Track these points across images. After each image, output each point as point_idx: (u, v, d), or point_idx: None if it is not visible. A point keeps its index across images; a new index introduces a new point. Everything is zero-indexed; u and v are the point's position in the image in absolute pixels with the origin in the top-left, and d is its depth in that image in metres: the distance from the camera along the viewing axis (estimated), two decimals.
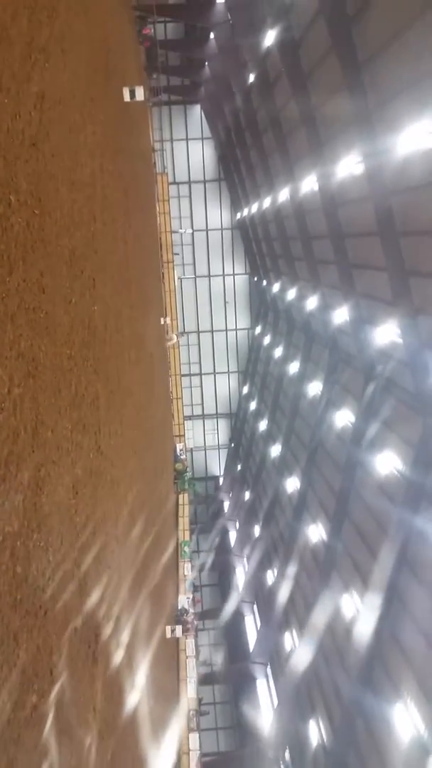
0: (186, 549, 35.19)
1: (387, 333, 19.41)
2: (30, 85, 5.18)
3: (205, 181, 48.94)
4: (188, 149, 48.17)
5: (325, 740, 21.66)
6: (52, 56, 6.13)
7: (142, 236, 20.56)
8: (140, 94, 15.60)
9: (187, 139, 47.99)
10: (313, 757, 22.54)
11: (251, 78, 28.68)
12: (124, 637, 8.84)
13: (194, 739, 25.03)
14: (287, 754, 26.32)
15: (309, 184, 23.95)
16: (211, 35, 34.99)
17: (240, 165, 40.90)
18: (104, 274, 9.18)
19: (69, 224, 6.51)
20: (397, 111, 14.11)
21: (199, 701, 28.83)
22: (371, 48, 14.63)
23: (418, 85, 12.84)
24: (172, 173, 47.09)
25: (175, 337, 38.51)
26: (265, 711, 30.85)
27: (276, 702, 29.32)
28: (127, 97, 15.30)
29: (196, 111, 47.72)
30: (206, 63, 40.00)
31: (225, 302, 51.44)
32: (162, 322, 32.67)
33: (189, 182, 48.74)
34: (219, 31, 32.32)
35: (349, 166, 18.48)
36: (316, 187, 22.18)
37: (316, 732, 22.62)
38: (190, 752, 24.26)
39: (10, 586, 3.81)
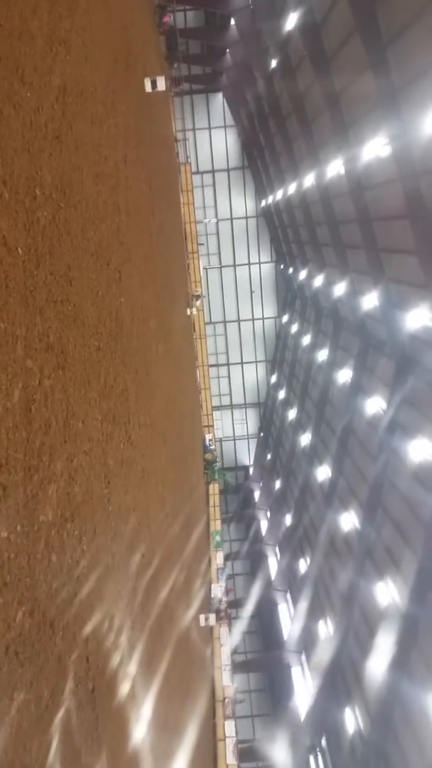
0: (217, 538, 35.37)
1: (419, 317, 19.08)
2: (52, 78, 5.19)
3: (228, 170, 48.63)
4: (211, 138, 47.88)
5: (362, 728, 21.62)
6: (73, 48, 6.13)
7: (166, 227, 20.56)
8: (162, 84, 15.53)
9: (209, 128, 47.70)
10: (350, 744, 22.53)
11: (273, 63, 28.32)
12: (159, 623, 8.94)
13: (230, 726, 25.24)
14: (324, 742, 26.37)
15: (335, 168, 23.60)
16: (232, 22, 34.63)
17: (264, 151, 40.52)
18: (130, 265, 9.20)
19: (94, 216, 6.53)
20: (423, 90, 13.78)
21: (234, 689, 29.03)
22: (396, 26, 14.29)
23: None
24: (196, 163, 46.91)
25: (195, 305, 37.43)
26: (300, 699, 30.93)
27: (312, 689, 29.37)
28: (148, 88, 15.25)
29: (218, 99, 47.36)
30: (227, 50, 39.63)
31: (251, 291, 51.20)
32: (188, 313, 32.68)
33: (212, 171, 48.50)
34: (239, 17, 31.98)
35: (375, 148, 18.13)
36: (342, 171, 21.85)
37: (352, 719, 22.60)
38: (226, 739, 24.48)
39: (45, 575, 3.87)
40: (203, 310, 41.73)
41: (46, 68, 5.03)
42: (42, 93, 4.83)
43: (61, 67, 5.53)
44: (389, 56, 15.02)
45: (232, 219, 49.56)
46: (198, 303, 37.15)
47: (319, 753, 26.64)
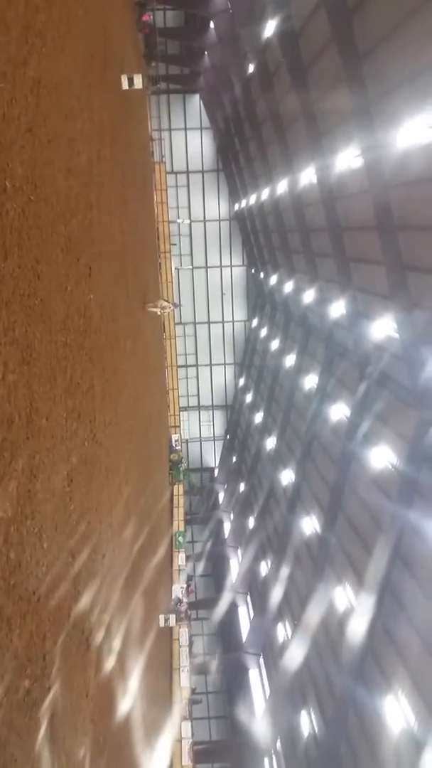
0: (180, 539, 35.31)
1: (383, 327, 19.41)
2: (26, 70, 5.13)
3: (203, 171, 48.69)
4: (187, 139, 47.87)
5: (316, 731, 21.83)
6: (49, 41, 6.07)
7: (139, 225, 20.48)
8: (138, 82, 15.50)
9: (185, 129, 47.68)
10: (305, 747, 22.72)
11: (251, 68, 28.48)
12: (118, 624, 8.88)
13: (186, 727, 25.19)
14: (279, 745, 26.53)
15: (308, 176, 23.86)
16: (211, 24, 34.73)
17: (238, 156, 40.70)
18: (101, 262, 9.14)
19: (65, 211, 6.47)
20: (396, 104, 14.04)
21: (192, 690, 29.00)
22: (372, 40, 14.53)
23: (418, 78, 12.78)
24: (171, 163, 46.85)
25: (168, 305, 36.79)
26: (257, 701, 31.05)
27: (268, 692, 29.53)
28: (125, 85, 15.19)
29: (195, 100, 47.39)
30: (206, 52, 39.70)
31: (222, 294, 51.34)
32: (158, 312, 32.53)
33: (187, 172, 48.49)
34: (219, 20, 32.09)
35: (347, 159, 18.40)
36: (314, 180, 22.10)
37: (307, 723, 22.79)
38: (182, 740, 24.42)
39: (3, 571, 3.82)
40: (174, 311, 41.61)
41: (20, 60, 4.97)
42: (16, 84, 4.78)
43: (36, 60, 5.47)
44: (364, 69, 15.27)
45: (205, 221, 49.61)
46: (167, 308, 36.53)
47: (273, 755, 26.79)
